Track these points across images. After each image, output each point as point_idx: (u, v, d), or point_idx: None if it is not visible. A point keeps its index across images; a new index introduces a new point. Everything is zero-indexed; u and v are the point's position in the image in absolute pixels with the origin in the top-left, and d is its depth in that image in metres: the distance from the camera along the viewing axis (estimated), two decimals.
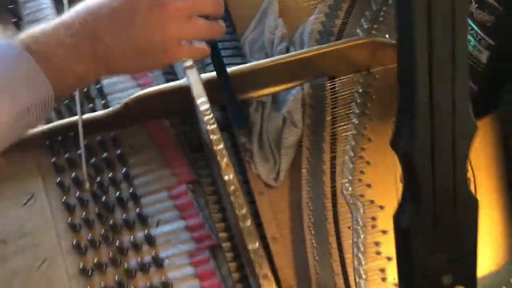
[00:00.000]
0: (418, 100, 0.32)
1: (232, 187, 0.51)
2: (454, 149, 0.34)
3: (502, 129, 0.60)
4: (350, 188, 0.58)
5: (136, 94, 0.59)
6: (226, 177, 0.51)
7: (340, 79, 0.64)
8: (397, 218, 0.38)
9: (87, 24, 0.47)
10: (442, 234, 0.38)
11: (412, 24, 0.31)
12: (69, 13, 0.48)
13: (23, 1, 0.67)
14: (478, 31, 0.53)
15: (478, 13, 0.52)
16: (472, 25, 0.53)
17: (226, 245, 0.54)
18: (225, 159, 0.52)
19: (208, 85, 0.57)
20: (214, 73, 0.59)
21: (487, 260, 0.55)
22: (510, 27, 0.51)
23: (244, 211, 0.49)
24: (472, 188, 0.57)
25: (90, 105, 0.62)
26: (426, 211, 0.36)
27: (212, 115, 0.54)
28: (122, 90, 0.64)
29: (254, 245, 0.48)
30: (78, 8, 0.49)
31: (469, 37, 0.55)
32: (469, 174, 0.58)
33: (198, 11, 0.51)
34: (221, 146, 0.53)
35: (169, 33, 0.49)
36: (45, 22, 0.49)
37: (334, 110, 0.63)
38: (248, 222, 0.49)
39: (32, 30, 0.47)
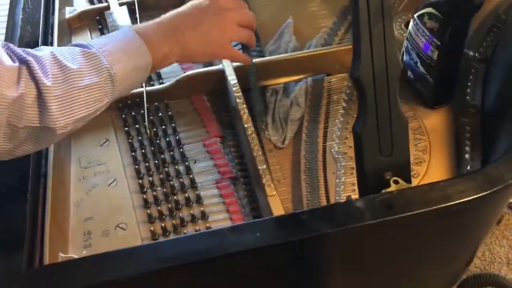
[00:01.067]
0: (363, 46, 0.54)
1: (249, 131, 0.72)
2: (387, 77, 0.55)
3: (454, 115, 0.81)
4: (336, 148, 0.78)
5: (184, 74, 0.82)
6: (246, 125, 0.72)
7: (334, 76, 0.86)
8: (354, 127, 0.58)
9: (172, 21, 0.68)
10: (383, 140, 0.58)
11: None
12: (161, 16, 0.69)
13: (108, 13, 0.93)
14: (430, 35, 0.75)
15: (428, 23, 0.74)
16: (426, 32, 0.75)
17: (241, 175, 0.74)
18: (246, 114, 0.74)
19: (236, 70, 0.80)
20: (236, 63, 0.82)
21: None
22: (447, 30, 0.72)
23: (257, 146, 0.70)
24: (427, 155, 0.77)
25: (151, 82, 0.85)
26: (371, 121, 0.56)
27: (238, 86, 0.77)
28: (173, 75, 0.87)
29: (262, 166, 0.68)
30: (166, 14, 0.70)
31: (424, 41, 0.77)
32: (426, 143, 0.78)
33: (245, 21, 0.73)
34: (244, 105, 0.75)
35: (226, 32, 0.70)
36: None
37: (329, 97, 0.84)
38: (260, 152, 0.69)
39: (140, 24, 0.69)
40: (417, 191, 0.56)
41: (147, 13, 0.96)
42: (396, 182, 0.57)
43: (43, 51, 0.59)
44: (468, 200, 0.54)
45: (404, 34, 0.90)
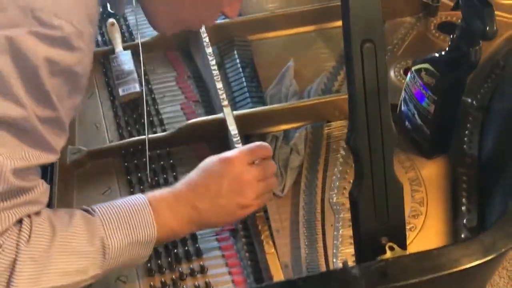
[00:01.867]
0: (359, 117, 0.55)
1: None
2: (383, 147, 0.56)
3: (452, 164, 0.82)
4: (335, 198, 0.79)
5: (186, 122, 0.84)
6: None
7: (334, 123, 0.88)
8: (351, 193, 0.59)
9: (188, 196, 0.64)
10: (379, 205, 0.59)
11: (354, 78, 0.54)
12: (179, 185, 0.66)
13: (112, 57, 0.95)
14: (427, 90, 0.76)
15: (425, 78, 0.76)
16: (423, 86, 0.77)
17: (241, 227, 0.75)
18: None
19: (236, 119, 0.81)
20: (242, 111, 0.84)
21: None
22: (444, 87, 0.74)
23: None
24: (424, 207, 0.78)
25: (153, 129, 0.87)
26: (367, 187, 0.58)
27: (239, 137, 0.78)
28: (176, 121, 0.88)
29: (262, 223, 0.70)
30: (184, 182, 0.66)
31: (421, 94, 0.78)
32: (423, 195, 0.79)
33: (265, 175, 0.68)
34: None
35: (247, 196, 0.66)
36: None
37: (328, 144, 0.85)
38: (261, 212, 0.71)
39: (156, 191, 0.65)
40: (411, 259, 0.57)
41: (149, 54, 0.98)
42: (391, 248, 0.58)
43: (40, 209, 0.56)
44: (462, 269, 0.55)
45: (403, 81, 0.92)
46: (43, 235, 0.55)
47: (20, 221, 0.54)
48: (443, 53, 0.73)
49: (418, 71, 0.77)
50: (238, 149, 0.68)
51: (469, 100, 0.88)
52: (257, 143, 0.70)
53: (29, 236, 0.54)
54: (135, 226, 0.60)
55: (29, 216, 0.55)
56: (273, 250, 0.67)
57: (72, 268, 0.56)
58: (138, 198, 0.62)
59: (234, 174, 0.65)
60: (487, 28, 0.63)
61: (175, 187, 0.66)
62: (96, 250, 0.57)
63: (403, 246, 0.60)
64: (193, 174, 0.67)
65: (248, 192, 0.66)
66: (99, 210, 0.60)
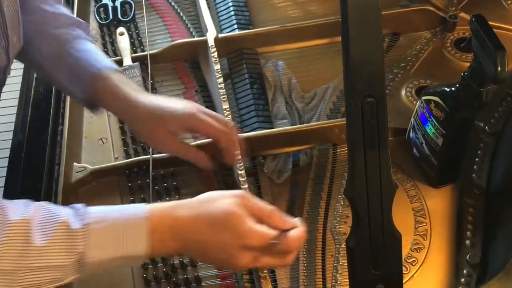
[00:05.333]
0: (357, 168, 0.54)
1: None
2: (381, 198, 0.55)
3: (459, 194, 0.80)
4: (337, 227, 0.78)
5: (192, 143, 0.83)
6: None
7: (340, 146, 0.86)
8: (347, 241, 0.59)
9: (185, 229, 0.60)
10: (375, 255, 0.58)
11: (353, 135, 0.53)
12: (181, 209, 0.61)
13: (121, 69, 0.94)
14: (435, 122, 0.74)
15: (434, 110, 0.74)
16: (432, 118, 0.75)
17: None
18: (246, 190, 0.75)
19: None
20: (247, 134, 0.83)
21: None
22: (453, 122, 0.72)
23: None
24: (427, 241, 0.77)
25: None
26: (364, 236, 0.57)
27: (242, 163, 0.78)
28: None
29: None
30: (187, 206, 0.61)
31: (430, 126, 0.76)
32: (427, 227, 0.78)
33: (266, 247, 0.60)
34: (245, 186, 0.75)
35: (240, 263, 0.60)
36: None
37: (333, 169, 0.84)
38: None
39: (158, 207, 0.61)
40: None
41: (158, 65, 0.97)
42: None
43: (21, 212, 0.54)
44: None
45: (414, 102, 0.90)
46: (14, 244, 0.53)
47: None
48: (453, 88, 0.71)
49: (428, 102, 0.75)
50: (258, 227, 0.60)
51: (482, 125, 0.86)
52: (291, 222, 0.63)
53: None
54: (123, 242, 0.57)
55: None
56: (270, 286, 0.67)
57: (46, 279, 0.55)
58: (137, 211, 0.60)
59: (240, 246, 0.60)
60: (499, 73, 0.60)
61: (177, 207, 0.62)
62: (72, 263, 0.56)
63: None
64: (198, 204, 0.62)
65: (241, 262, 0.61)
66: (90, 220, 0.57)
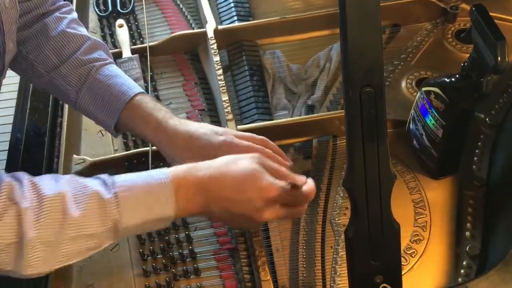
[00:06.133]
0: (355, 159, 0.54)
1: None
2: (380, 189, 0.55)
3: (459, 186, 0.80)
4: (336, 219, 0.78)
5: None
6: None
7: (340, 138, 0.86)
8: (346, 232, 0.59)
9: (208, 187, 0.64)
10: (374, 246, 0.58)
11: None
12: (203, 170, 0.64)
13: (119, 62, 0.94)
14: (435, 113, 0.74)
15: (434, 102, 0.73)
16: (432, 109, 0.74)
17: (241, 247, 0.75)
18: None
19: None
20: (247, 125, 0.83)
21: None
22: (453, 113, 0.72)
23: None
24: (427, 232, 0.76)
25: None
26: (362, 227, 0.57)
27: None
28: None
29: (259, 247, 0.70)
30: (209, 167, 0.64)
31: (430, 117, 0.76)
32: (427, 218, 0.78)
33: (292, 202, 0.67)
34: None
35: (261, 217, 0.65)
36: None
37: (333, 161, 0.84)
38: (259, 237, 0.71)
39: (180, 169, 0.64)
40: None
41: (157, 57, 0.97)
42: None
43: (54, 187, 0.58)
44: None
45: (414, 94, 0.89)
46: (54, 217, 0.56)
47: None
48: (453, 79, 0.71)
49: (428, 93, 0.75)
50: (277, 181, 0.65)
51: (482, 116, 0.86)
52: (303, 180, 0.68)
53: (38, 216, 0.55)
54: (153, 205, 0.61)
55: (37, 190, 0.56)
56: (268, 277, 0.67)
57: (84, 248, 0.59)
58: (160, 176, 0.63)
59: (264, 200, 0.64)
60: (499, 63, 0.60)
61: (198, 168, 0.65)
62: (108, 229, 0.60)
63: (397, 286, 0.60)
64: (219, 165, 0.65)
65: (265, 215, 0.65)
66: (118, 188, 0.60)
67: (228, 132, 0.74)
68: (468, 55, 0.71)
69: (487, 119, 0.85)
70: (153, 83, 0.94)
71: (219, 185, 0.64)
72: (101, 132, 0.89)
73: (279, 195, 0.64)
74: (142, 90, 0.76)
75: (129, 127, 0.76)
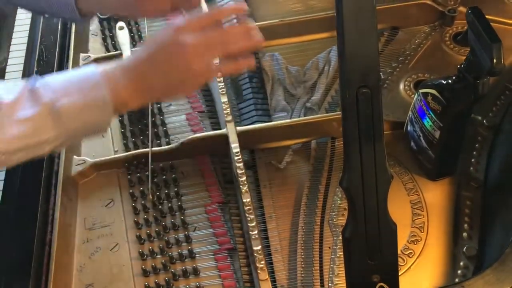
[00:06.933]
0: (352, 159, 0.55)
1: (247, 207, 0.74)
2: (377, 189, 0.56)
3: (456, 187, 0.80)
4: (334, 219, 0.79)
5: (190, 137, 0.84)
6: (244, 200, 0.74)
7: (339, 140, 0.87)
8: (343, 232, 0.59)
9: (134, 65, 0.64)
10: (371, 245, 0.59)
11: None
12: (130, 58, 0.68)
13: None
14: (432, 115, 0.74)
15: (432, 103, 0.74)
16: (429, 111, 0.75)
17: (240, 248, 0.76)
18: (245, 187, 0.75)
19: (240, 135, 0.81)
20: (246, 127, 0.84)
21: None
22: (449, 115, 0.72)
23: (253, 223, 0.72)
24: (424, 233, 0.77)
25: (158, 141, 0.87)
26: (359, 227, 0.57)
27: (240, 156, 0.78)
28: (181, 133, 0.89)
29: (257, 247, 0.70)
30: (133, 54, 0.68)
31: (427, 119, 0.76)
32: (424, 219, 0.79)
33: (215, 40, 0.64)
34: (244, 178, 0.76)
35: (190, 70, 0.63)
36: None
37: (331, 162, 0.85)
38: (256, 231, 0.71)
39: (110, 64, 0.64)
40: None
41: None
42: None
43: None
44: None
45: (412, 96, 0.90)
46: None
47: None
48: (450, 81, 0.71)
49: (425, 94, 0.76)
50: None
51: (479, 118, 0.86)
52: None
53: None
54: (84, 88, 0.61)
55: None
56: (267, 277, 0.68)
57: (19, 134, 0.58)
58: (88, 66, 0.64)
59: (176, 42, 0.63)
60: (494, 65, 0.61)
61: (129, 58, 0.68)
62: (40, 113, 0.58)
63: (395, 285, 0.60)
64: (141, 50, 0.67)
65: (189, 58, 0.63)
66: (46, 80, 0.61)
67: None
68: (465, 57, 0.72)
69: (484, 121, 0.86)
70: None
71: (144, 62, 0.64)
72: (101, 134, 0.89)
73: (187, 20, 0.64)
74: None
75: None
